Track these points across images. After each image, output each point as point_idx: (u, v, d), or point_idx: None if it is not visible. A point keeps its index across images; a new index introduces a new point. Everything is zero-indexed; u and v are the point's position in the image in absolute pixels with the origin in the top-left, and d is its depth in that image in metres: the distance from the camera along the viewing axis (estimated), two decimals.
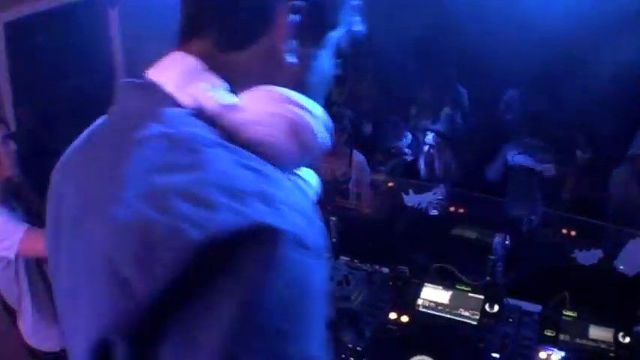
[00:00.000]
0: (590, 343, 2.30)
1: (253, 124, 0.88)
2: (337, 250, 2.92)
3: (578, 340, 2.31)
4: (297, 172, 1.04)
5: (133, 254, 0.73)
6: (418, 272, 2.67)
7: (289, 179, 0.93)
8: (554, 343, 2.30)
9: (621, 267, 2.54)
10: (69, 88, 4.61)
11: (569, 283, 2.55)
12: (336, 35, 1.04)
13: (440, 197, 2.92)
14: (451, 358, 2.20)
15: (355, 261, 2.82)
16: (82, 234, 0.84)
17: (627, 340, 2.27)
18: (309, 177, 1.08)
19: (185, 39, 0.98)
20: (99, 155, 0.91)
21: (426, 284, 2.58)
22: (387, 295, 2.59)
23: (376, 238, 2.96)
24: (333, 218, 2.94)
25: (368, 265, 2.78)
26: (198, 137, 0.82)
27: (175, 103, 0.89)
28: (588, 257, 2.53)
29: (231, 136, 0.86)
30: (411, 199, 2.90)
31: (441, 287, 2.56)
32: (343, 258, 2.86)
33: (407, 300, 2.53)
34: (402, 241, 2.94)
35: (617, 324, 2.33)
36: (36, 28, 4.24)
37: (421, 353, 2.21)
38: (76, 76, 4.63)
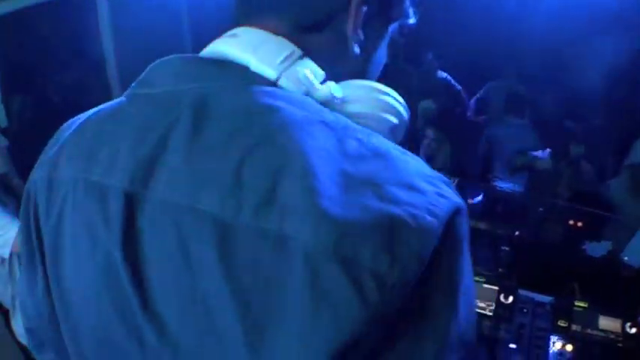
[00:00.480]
0: (600, 333, 2.39)
1: (365, 118, 0.87)
2: None
3: (589, 331, 2.41)
4: None
5: (372, 248, 0.67)
6: None
7: None
8: (567, 333, 2.39)
9: (626, 258, 2.61)
10: (60, 83, 4.56)
11: (578, 275, 2.63)
12: (396, 23, 1.02)
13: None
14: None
15: None
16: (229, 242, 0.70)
17: (633, 330, 2.36)
18: None
19: (255, 14, 0.90)
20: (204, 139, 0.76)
21: None
22: None
23: None
24: None
25: None
26: (349, 126, 0.78)
27: (271, 84, 0.82)
28: (598, 249, 2.60)
29: None
30: None
31: None
32: None
33: None
34: None
35: (624, 315, 2.42)
36: (25, 21, 4.16)
37: None
38: (67, 70, 4.58)
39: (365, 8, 0.88)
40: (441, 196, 0.72)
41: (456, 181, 2.95)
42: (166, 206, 0.74)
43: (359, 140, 0.75)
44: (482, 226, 2.92)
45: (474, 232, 3.18)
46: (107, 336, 0.82)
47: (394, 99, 0.92)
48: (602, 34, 5.43)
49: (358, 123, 0.81)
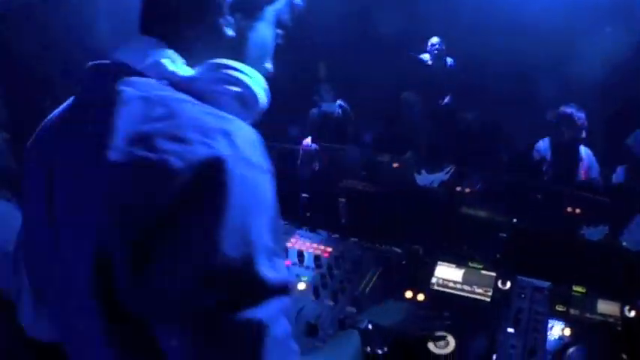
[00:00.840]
0: (598, 317, 2.38)
1: (208, 92, 1.17)
2: (346, 230, 2.93)
3: (587, 315, 2.40)
4: None
5: (132, 184, 1.00)
6: (431, 251, 2.72)
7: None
8: (566, 317, 2.38)
9: (624, 243, 2.61)
10: (59, 77, 4.58)
11: (576, 260, 2.62)
12: (274, 8, 1.31)
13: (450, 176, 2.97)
14: (468, 333, 2.26)
15: (368, 242, 2.82)
16: (81, 181, 1.09)
17: (632, 314, 2.35)
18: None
19: (145, 22, 1.25)
20: (86, 121, 1.16)
21: (439, 263, 2.63)
22: (401, 275, 2.63)
23: (386, 218, 3.00)
24: (342, 199, 2.95)
25: (382, 245, 2.79)
26: (167, 97, 1.10)
27: (145, 76, 1.15)
28: (595, 233, 2.60)
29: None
30: (423, 178, 2.94)
31: (454, 265, 2.61)
32: (352, 239, 2.85)
33: (422, 279, 2.58)
34: (412, 221, 2.97)
35: (623, 298, 2.42)
36: (21, 16, 4.17)
37: (443, 330, 2.27)
38: (65, 63, 4.62)
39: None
40: (204, 145, 1.00)
41: (453, 168, 2.95)
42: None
43: (166, 106, 1.06)
44: (481, 213, 2.92)
45: (473, 220, 3.21)
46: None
47: (238, 71, 1.20)
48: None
49: (204, 95, 1.15)
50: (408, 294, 2.51)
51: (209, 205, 0.97)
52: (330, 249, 2.75)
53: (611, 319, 2.37)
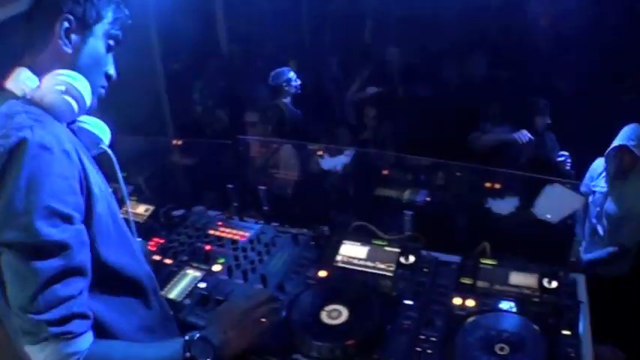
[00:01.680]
0: (511, 289, 2.26)
1: (45, 96, 1.57)
2: (268, 216, 2.89)
3: (497, 287, 2.27)
4: (84, 121, 1.85)
5: None
6: (338, 231, 2.63)
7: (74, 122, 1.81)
8: (472, 290, 2.26)
9: (548, 215, 2.50)
10: None
11: (489, 234, 2.52)
12: (102, 25, 1.68)
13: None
14: (365, 305, 2.15)
15: (286, 225, 2.78)
16: None
17: (554, 284, 2.23)
18: (96, 124, 1.88)
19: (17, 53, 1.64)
20: None
21: (344, 241, 2.53)
22: (310, 254, 2.55)
23: (303, 203, 2.94)
24: (262, 187, 2.90)
25: (294, 228, 2.74)
26: (15, 110, 1.51)
27: (16, 96, 1.57)
28: (504, 206, 2.50)
29: (39, 105, 1.56)
30: (326, 162, 2.88)
31: (359, 243, 2.51)
32: (274, 224, 2.81)
33: (327, 257, 2.48)
34: (327, 203, 2.90)
35: (542, 270, 2.29)
36: None
37: (335, 303, 2.17)
38: None
39: (65, 25, 1.60)
40: (16, 136, 1.42)
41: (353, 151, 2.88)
42: None
43: (10, 118, 1.48)
44: (393, 193, 2.83)
45: (382, 199, 3.13)
46: None
47: (65, 75, 1.58)
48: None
49: (44, 100, 1.57)
50: (312, 271, 2.41)
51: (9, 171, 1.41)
52: (247, 234, 2.73)
53: (526, 291, 2.24)
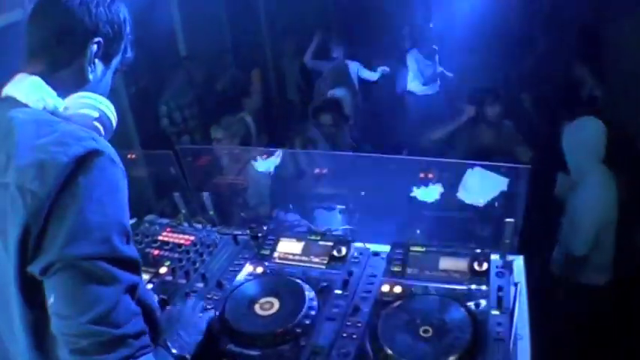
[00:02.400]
0: (440, 274, 2.32)
1: (77, 116, 1.55)
2: (214, 221, 2.96)
3: (427, 273, 2.33)
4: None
5: (34, 175, 1.34)
6: (276, 229, 2.70)
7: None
8: (401, 277, 2.32)
9: (473, 199, 2.55)
10: None
11: (418, 222, 2.59)
12: (117, 60, 1.73)
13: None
14: (295, 296, 2.21)
15: (231, 228, 2.85)
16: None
17: (484, 266, 2.29)
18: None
19: (28, 63, 1.60)
20: None
21: (281, 239, 2.61)
22: (249, 253, 2.61)
23: (243, 206, 3.01)
24: (206, 193, 2.98)
25: (235, 229, 2.81)
26: (49, 119, 1.48)
27: (28, 107, 1.50)
28: (428, 193, 2.57)
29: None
30: (261, 165, 2.96)
31: (295, 239, 2.58)
32: (219, 227, 2.89)
33: (264, 254, 2.56)
34: (266, 203, 2.98)
35: (473, 254, 2.36)
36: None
37: (268, 296, 2.24)
38: None
39: (94, 49, 1.61)
40: (81, 145, 1.38)
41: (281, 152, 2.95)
42: None
43: (51, 126, 1.44)
44: (328, 190, 2.92)
45: (321, 197, 3.20)
46: None
47: (94, 100, 1.59)
48: None
49: (73, 118, 1.54)
50: (249, 268, 2.49)
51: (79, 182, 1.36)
52: (192, 237, 2.79)
53: (456, 275, 2.30)
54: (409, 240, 2.51)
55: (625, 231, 3.69)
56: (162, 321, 1.82)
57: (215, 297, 2.35)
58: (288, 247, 2.56)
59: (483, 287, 2.22)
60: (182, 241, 2.79)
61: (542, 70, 6.37)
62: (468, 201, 2.50)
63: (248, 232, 2.68)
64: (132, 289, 1.41)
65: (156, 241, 2.82)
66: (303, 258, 2.50)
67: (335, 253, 2.45)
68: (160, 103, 6.41)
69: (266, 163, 2.92)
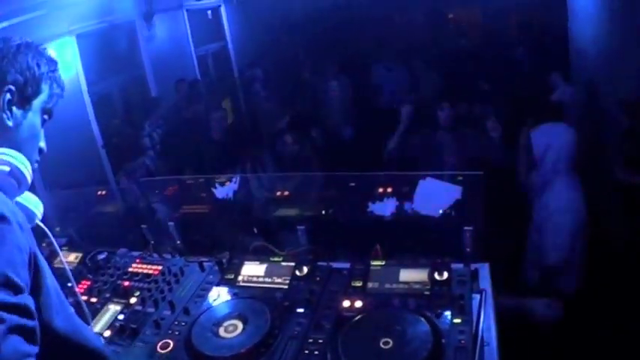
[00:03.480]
0: (401, 286, 2.31)
1: None
2: (182, 250, 2.95)
3: (387, 286, 2.32)
4: (22, 196, 1.66)
5: None
6: (240, 254, 2.69)
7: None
8: (362, 292, 2.31)
9: (427, 210, 2.55)
10: None
11: (379, 237, 2.59)
12: (41, 100, 1.65)
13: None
14: (257, 318, 2.21)
15: (198, 256, 2.82)
16: None
17: (445, 275, 2.27)
18: (30, 200, 1.71)
19: None
20: None
21: (246, 262, 2.60)
22: (214, 278, 2.60)
23: (209, 233, 3.00)
24: (171, 223, 2.98)
25: (204, 256, 2.80)
26: None
27: None
28: (384, 207, 2.57)
29: None
30: (219, 192, 2.97)
31: (257, 262, 2.57)
32: (185, 257, 2.87)
33: (229, 279, 2.55)
34: (231, 229, 2.97)
35: (433, 264, 2.33)
36: None
37: (232, 319, 2.24)
38: None
39: (7, 97, 1.53)
40: None
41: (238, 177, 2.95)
42: None
43: None
44: (291, 212, 2.92)
45: (281, 220, 3.20)
46: None
47: (6, 155, 1.51)
48: None
49: None
50: (214, 293, 2.48)
51: None
52: (160, 267, 2.79)
53: (417, 286, 2.28)
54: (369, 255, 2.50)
55: (596, 236, 3.66)
56: None
57: (182, 323, 2.33)
58: (252, 269, 2.56)
59: (444, 297, 2.20)
60: (151, 271, 2.80)
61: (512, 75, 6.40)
62: (424, 212, 2.50)
63: (213, 258, 2.68)
64: (22, 332, 1.32)
65: (126, 273, 2.82)
66: (267, 279, 2.49)
67: (297, 272, 2.45)
68: (142, 136, 6.39)
69: (224, 190, 2.92)
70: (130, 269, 2.86)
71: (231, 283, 2.52)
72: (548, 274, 3.59)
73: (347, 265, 2.52)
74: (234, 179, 2.93)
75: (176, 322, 2.35)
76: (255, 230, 2.86)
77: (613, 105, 4.60)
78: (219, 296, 2.45)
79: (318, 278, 2.42)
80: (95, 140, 6.55)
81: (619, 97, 4.53)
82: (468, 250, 2.40)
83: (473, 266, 2.39)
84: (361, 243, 2.55)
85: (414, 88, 6.42)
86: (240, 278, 2.54)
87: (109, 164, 6.51)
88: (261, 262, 2.58)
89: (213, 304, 2.39)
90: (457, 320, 2.07)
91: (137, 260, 2.93)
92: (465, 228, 2.38)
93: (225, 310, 2.31)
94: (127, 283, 2.73)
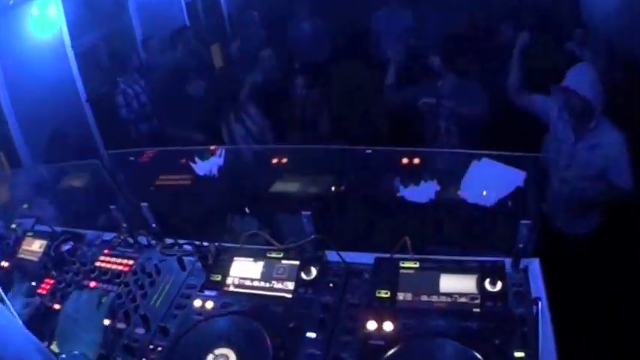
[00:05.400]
0: (442, 299, 1.58)
1: None
2: (158, 233, 2.24)
3: (424, 298, 1.59)
4: None
5: None
6: (227, 247, 1.97)
7: None
8: (390, 306, 1.60)
9: (478, 198, 1.84)
10: None
11: (408, 227, 1.89)
12: None
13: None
14: (256, 348, 1.53)
15: (176, 244, 2.14)
16: None
17: (499, 285, 1.56)
18: None
19: None
20: None
21: (235, 258, 1.88)
22: (197, 280, 1.91)
23: (191, 214, 2.29)
24: (144, 204, 2.25)
25: (183, 241, 2.13)
26: None
27: None
28: (420, 192, 1.84)
29: None
30: (200, 167, 2.19)
31: (251, 259, 1.85)
32: (160, 245, 2.18)
33: (216, 281, 1.84)
34: (217, 208, 2.26)
35: (481, 268, 1.61)
36: None
37: (223, 346, 1.56)
38: None
39: None
40: None
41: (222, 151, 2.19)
42: None
43: None
44: (287, 188, 2.18)
45: (279, 198, 2.47)
46: None
47: None
48: None
49: None
50: (198, 303, 1.79)
51: None
52: (131, 262, 2.12)
53: (463, 299, 1.58)
54: (397, 252, 1.77)
55: None
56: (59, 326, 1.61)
57: (159, 347, 1.69)
58: (244, 269, 1.85)
59: (499, 317, 1.51)
60: (121, 267, 2.14)
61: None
62: (472, 200, 1.80)
63: (196, 249, 1.98)
64: None
65: (93, 270, 2.17)
66: (264, 284, 1.79)
67: (303, 275, 1.74)
68: (116, 94, 5.58)
69: (206, 165, 2.18)
70: (98, 263, 2.20)
71: (219, 288, 1.83)
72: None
73: (362, 259, 1.81)
74: (219, 151, 2.17)
75: (151, 346, 1.70)
76: (247, 210, 2.14)
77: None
78: (203, 308, 1.76)
79: (331, 284, 1.72)
80: (79, 95, 5.78)
81: None
82: (521, 246, 1.68)
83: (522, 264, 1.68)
84: (385, 235, 1.83)
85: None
86: (229, 281, 1.84)
87: (93, 118, 5.76)
88: (256, 258, 1.86)
89: (197, 323, 1.70)
90: (519, 354, 1.40)
91: (105, 251, 2.26)
92: (523, 222, 1.66)
93: (213, 332, 1.64)
94: (93, 284, 2.10)
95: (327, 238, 1.83)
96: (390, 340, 1.50)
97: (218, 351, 1.55)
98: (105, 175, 2.28)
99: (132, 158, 2.49)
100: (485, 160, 1.71)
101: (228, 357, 1.54)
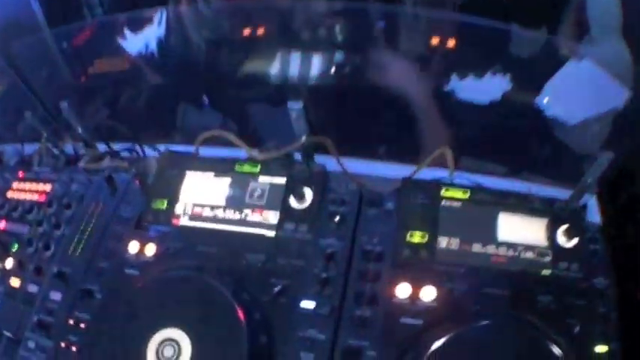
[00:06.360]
0: (501, 251, 1.00)
1: None
2: (87, 140, 1.56)
3: (476, 249, 1.00)
4: None
5: None
6: (178, 154, 1.25)
7: None
8: (427, 257, 0.99)
9: (564, 112, 1.23)
10: None
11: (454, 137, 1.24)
12: None
13: None
14: (225, 328, 0.94)
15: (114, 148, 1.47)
16: None
17: (574, 241, 0.99)
18: None
19: None
20: None
21: (188, 172, 1.19)
22: (132, 210, 1.25)
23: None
24: (64, 104, 1.56)
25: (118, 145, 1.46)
26: None
27: None
28: (484, 89, 1.18)
29: None
30: (130, 42, 1.48)
31: (212, 174, 1.18)
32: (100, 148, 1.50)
33: (159, 209, 1.17)
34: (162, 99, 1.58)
35: (556, 208, 1.03)
36: None
37: (171, 325, 0.95)
38: None
39: None
40: None
41: None
42: None
43: None
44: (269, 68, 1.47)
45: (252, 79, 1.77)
46: None
47: None
48: None
49: None
50: (133, 247, 1.15)
51: None
52: (48, 187, 1.46)
53: (529, 254, 1.00)
54: (437, 173, 1.13)
55: None
56: None
57: (82, 322, 1.12)
58: (201, 189, 1.18)
59: (576, 289, 0.98)
60: (36, 197, 1.49)
61: None
62: (556, 114, 1.18)
63: (129, 167, 1.32)
64: None
65: (3, 204, 1.52)
66: (231, 216, 1.13)
67: (293, 202, 1.09)
68: None
69: (142, 37, 1.45)
70: (10, 192, 1.54)
71: (164, 222, 1.17)
72: None
73: (383, 173, 1.19)
74: (155, 17, 1.43)
75: (71, 321, 1.14)
76: (206, 100, 1.45)
77: None
78: (141, 257, 1.13)
79: (337, 216, 1.06)
80: None
81: None
82: (590, 181, 1.05)
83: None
84: (416, 142, 1.19)
85: None
86: (179, 209, 1.17)
87: None
88: (218, 172, 1.19)
89: (131, 290, 1.08)
90: (601, 349, 0.92)
91: (20, 174, 1.59)
92: (602, 154, 1.02)
93: (155, 305, 1.02)
94: (2, 226, 1.48)
95: (327, 140, 1.15)
96: (429, 316, 0.89)
97: (163, 333, 0.95)
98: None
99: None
100: (586, 61, 1.08)
101: (179, 343, 0.93)
